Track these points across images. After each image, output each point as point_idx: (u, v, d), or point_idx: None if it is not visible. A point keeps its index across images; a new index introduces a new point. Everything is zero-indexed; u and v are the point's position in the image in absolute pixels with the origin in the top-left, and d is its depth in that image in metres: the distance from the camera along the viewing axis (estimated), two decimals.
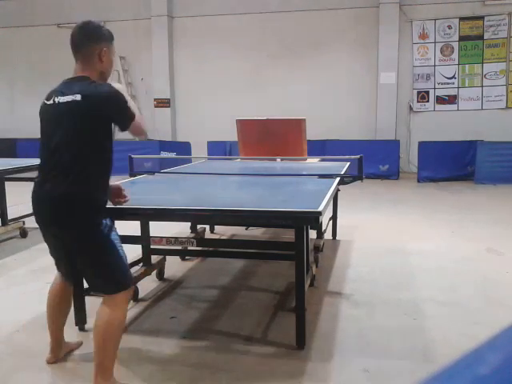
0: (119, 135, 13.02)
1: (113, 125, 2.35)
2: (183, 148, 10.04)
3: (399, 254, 4.69)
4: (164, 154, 9.88)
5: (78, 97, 2.22)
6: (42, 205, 2.30)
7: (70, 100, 2.23)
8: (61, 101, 2.26)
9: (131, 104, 2.38)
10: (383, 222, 6.09)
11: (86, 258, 2.34)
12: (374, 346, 2.83)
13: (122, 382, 2.40)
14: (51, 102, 2.30)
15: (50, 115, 2.32)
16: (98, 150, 2.29)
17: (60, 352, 2.68)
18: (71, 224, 2.26)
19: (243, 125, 5.78)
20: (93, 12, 11.76)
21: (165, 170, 4.79)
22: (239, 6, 11.28)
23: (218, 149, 9.72)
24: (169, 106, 11.90)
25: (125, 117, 2.33)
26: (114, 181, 3.97)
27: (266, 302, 3.55)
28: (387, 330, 3.04)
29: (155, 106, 11.96)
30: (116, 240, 2.31)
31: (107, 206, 2.41)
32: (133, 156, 4.50)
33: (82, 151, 2.23)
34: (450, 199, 7.73)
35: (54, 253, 2.52)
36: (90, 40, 2.33)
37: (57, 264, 2.57)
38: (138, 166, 4.26)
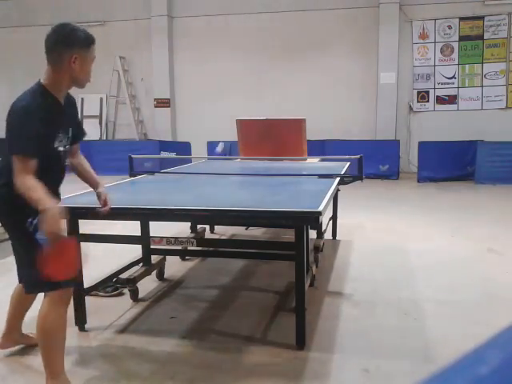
0: (119, 135, 12.93)
1: (58, 132, 2.30)
2: (183, 148, 10.04)
3: (399, 253, 4.70)
4: (164, 154, 9.88)
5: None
6: None
7: None
8: None
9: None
10: (383, 222, 6.08)
11: (14, 250, 2.37)
12: (374, 346, 2.83)
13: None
14: None
15: None
16: None
17: (12, 340, 2.76)
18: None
19: (243, 125, 5.78)
20: (93, 12, 11.79)
21: (165, 170, 4.79)
22: (239, 5, 11.29)
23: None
24: (169, 106, 11.90)
25: (7, 138, 2.20)
26: (115, 180, 3.98)
27: (265, 302, 3.55)
28: (387, 330, 3.04)
29: (155, 106, 11.97)
30: (43, 241, 2.23)
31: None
32: (133, 156, 4.51)
33: (10, 158, 2.20)
34: (450, 199, 7.72)
35: None
36: (60, 44, 2.23)
37: None
38: (138, 165, 4.26)
